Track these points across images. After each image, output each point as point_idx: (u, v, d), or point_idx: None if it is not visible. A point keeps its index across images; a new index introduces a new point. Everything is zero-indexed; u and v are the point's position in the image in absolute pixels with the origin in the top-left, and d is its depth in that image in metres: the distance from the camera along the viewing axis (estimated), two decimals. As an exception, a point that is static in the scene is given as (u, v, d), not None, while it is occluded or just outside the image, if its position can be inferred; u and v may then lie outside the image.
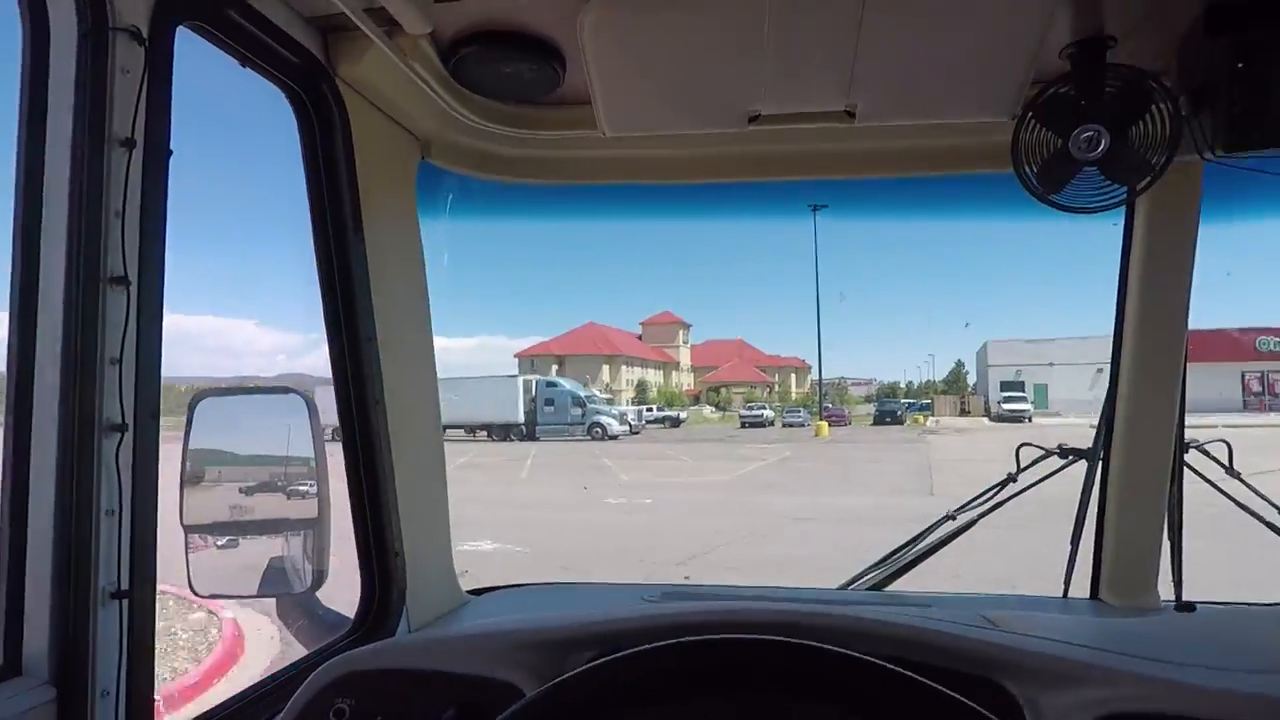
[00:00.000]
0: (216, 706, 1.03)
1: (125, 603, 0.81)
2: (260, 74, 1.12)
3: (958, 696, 0.57)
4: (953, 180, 1.47)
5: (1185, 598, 1.54)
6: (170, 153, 0.88)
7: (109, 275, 0.81)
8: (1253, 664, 0.87)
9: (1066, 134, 1.10)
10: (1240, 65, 1.02)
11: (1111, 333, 1.51)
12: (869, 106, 1.18)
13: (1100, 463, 1.55)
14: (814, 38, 1.03)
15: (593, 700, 0.60)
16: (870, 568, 1.73)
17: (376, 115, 1.30)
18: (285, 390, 1.39)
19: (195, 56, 0.97)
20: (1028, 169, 1.16)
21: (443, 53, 1.19)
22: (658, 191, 1.54)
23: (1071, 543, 1.71)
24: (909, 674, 0.58)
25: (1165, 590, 1.55)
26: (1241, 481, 1.61)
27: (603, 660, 0.60)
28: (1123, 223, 1.43)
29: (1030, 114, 1.13)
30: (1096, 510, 1.58)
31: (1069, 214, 1.19)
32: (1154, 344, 1.43)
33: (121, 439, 0.81)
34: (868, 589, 1.67)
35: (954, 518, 1.84)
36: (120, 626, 0.81)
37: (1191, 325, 1.44)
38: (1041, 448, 1.78)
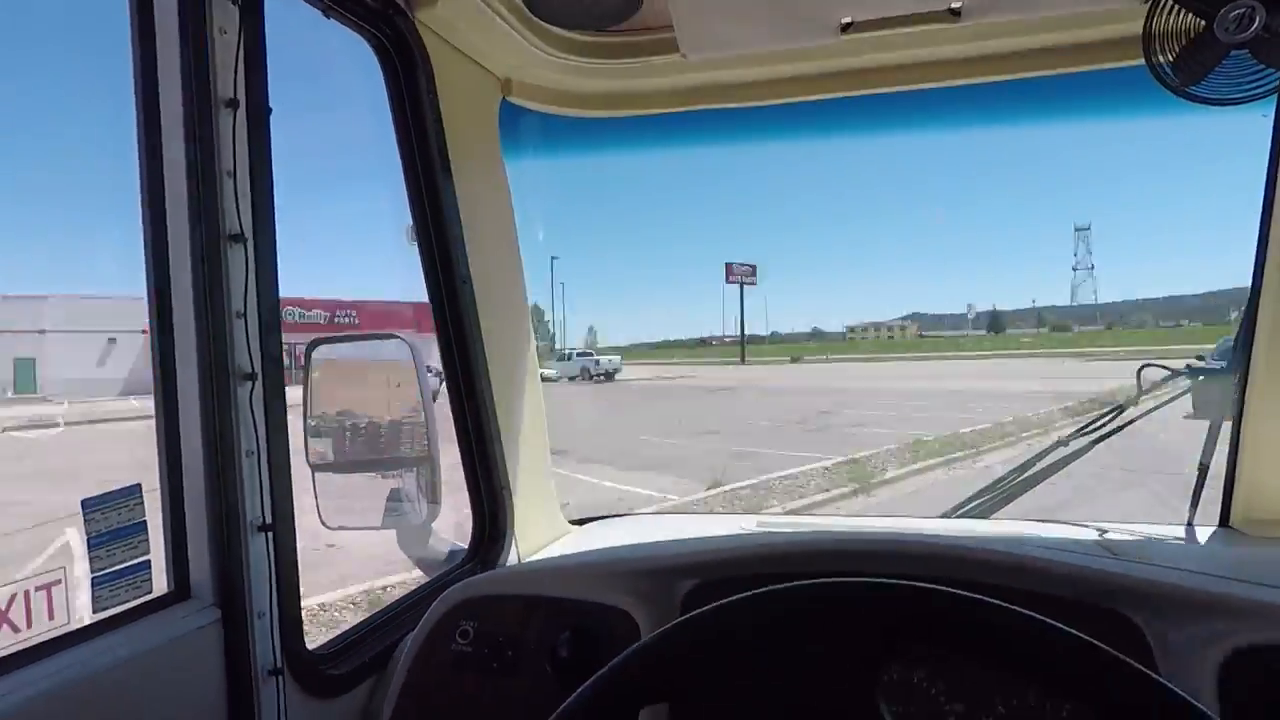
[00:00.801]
0: (356, 625, 1.13)
1: (270, 534, 0.89)
2: (343, 23, 1.13)
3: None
4: (1071, 78, 1.33)
5: None
6: (270, 110, 0.91)
7: (228, 233, 0.85)
8: None
9: (1213, 14, 0.97)
10: None
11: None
12: (975, 3, 1.08)
13: (1239, 380, 1.43)
14: None
15: (725, 634, 0.60)
16: (977, 493, 1.68)
17: (457, 56, 1.30)
18: (391, 336, 1.46)
19: (283, 11, 0.99)
20: (1161, 59, 1.04)
21: None
22: (744, 114, 1.47)
23: (1200, 468, 1.60)
24: (1074, 633, 0.54)
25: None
26: None
27: (741, 597, 0.60)
28: (1273, 114, 1.27)
29: (1167, -6, 1.00)
30: (1230, 433, 1.46)
31: (1211, 106, 1.06)
32: None
33: (253, 386, 0.87)
34: (974, 516, 1.62)
35: (1066, 443, 1.75)
36: (268, 555, 0.89)
37: None
38: (1166, 368, 1.65)
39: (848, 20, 1.12)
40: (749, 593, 0.60)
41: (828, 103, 1.41)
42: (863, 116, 1.49)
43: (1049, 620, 0.54)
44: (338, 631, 1.12)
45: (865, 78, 1.36)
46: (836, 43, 1.16)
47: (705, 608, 0.61)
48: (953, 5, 1.09)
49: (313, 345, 1.37)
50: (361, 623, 1.14)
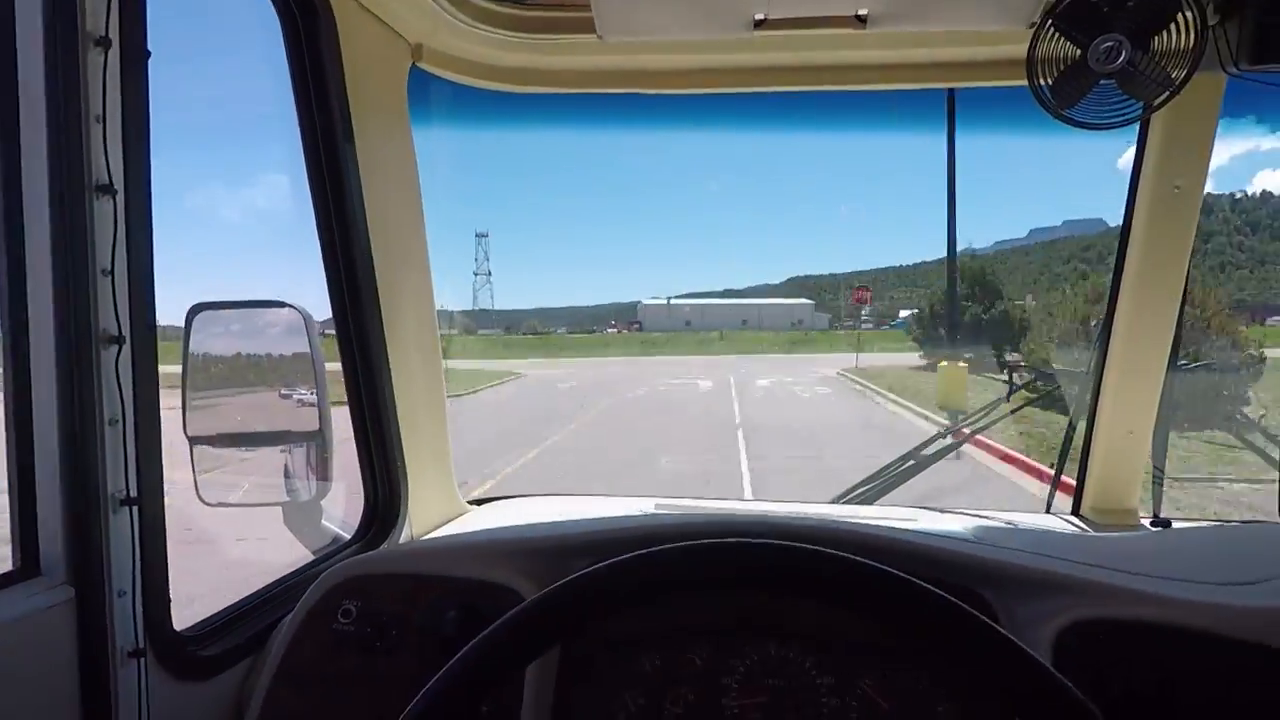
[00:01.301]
0: (230, 606, 1.08)
1: (135, 509, 0.84)
2: (239, -32, 1.06)
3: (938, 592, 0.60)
4: (965, 93, 1.42)
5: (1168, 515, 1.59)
6: (149, 54, 0.84)
7: (94, 184, 0.79)
8: (1224, 577, 0.91)
9: (1086, 44, 1.05)
10: None
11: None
12: (881, 11, 1.13)
13: (1093, 384, 1.57)
14: None
15: (591, 600, 0.63)
16: (863, 481, 1.78)
17: (365, 16, 1.24)
18: (281, 304, 1.39)
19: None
20: (1042, 82, 1.12)
21: None
22: (657, 101, 1.48)
23: (1057, 461, 1.76)
24: (885, 569, 0.61)
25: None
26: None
27: (603, 564, 0.63)
28: (1135, 143, 1.40)
29: (1050, 21, 1.08)
30: (1084, 431, 1.61)
31: (1081, 129, 1.15)
32: (1157, 264, 1.42)
33: (120, 350, 0.81)
34: (859, 503, 1.72)
35: (946, 435, 1.88)
36: (132, 531, 0.84)
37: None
38: (1034, 369, 1.80)
39: (761, 16, 1.15)
40: (616, 559, 0.63)
41: (738, 97, 1.45)
42: (773, 113, 1.53)
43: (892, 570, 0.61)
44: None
45: (776, 75, 1.40)
46: (750, 38, 1.19)
47: (579, 572, 0.63)
48: (859, 12, 1.14)
49: (194, 311, 1.28)
50: (237, 602, 1.09)
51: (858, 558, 0.63)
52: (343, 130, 1.23)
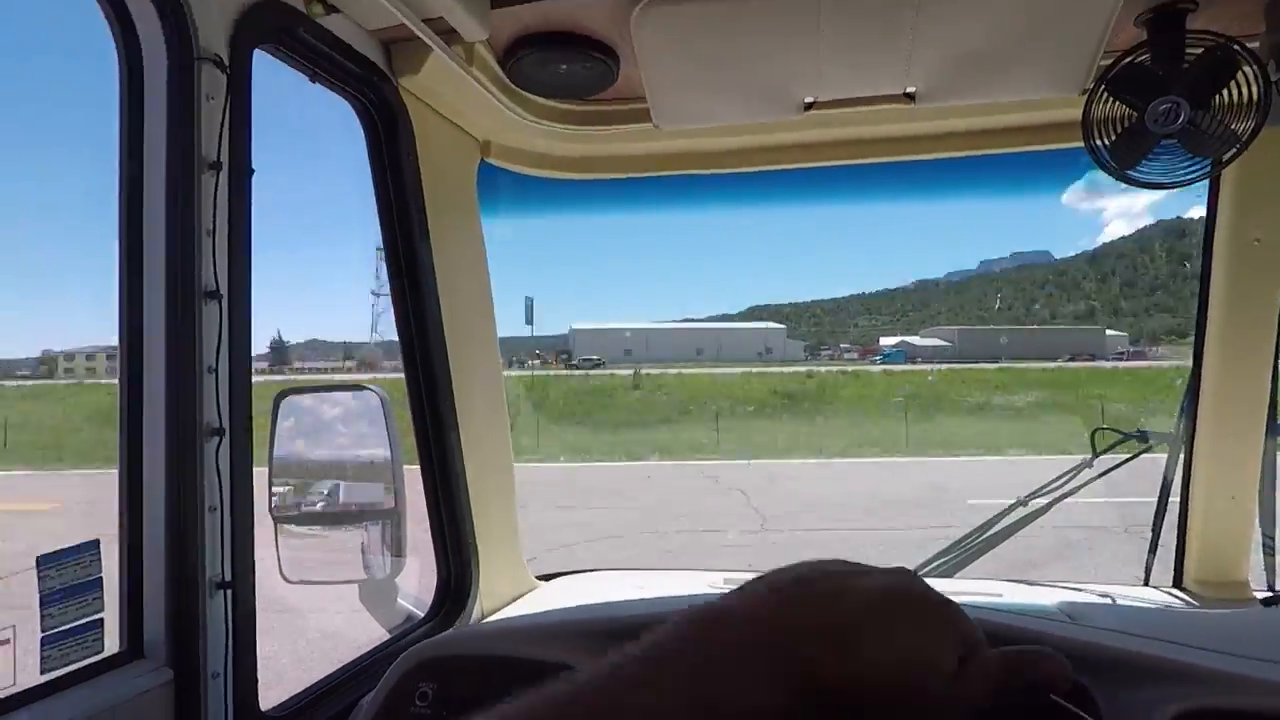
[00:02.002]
0: (313, 685, 1.11)
1: (229, 592, 0.88)
2: (329, 87, 1.17)
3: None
4: (1021, 156, 1.42)
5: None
6: (252, 171, 0.93)
7: (203, 289, 0.87)
8: None
9: (1143, 107, 1.05)
10: None
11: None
12: (929, 88, 1.15)
13: (1184, 447, 1.49)
14: (870, 22, 1.01)
15: None
16: (939, 554, 1.70)
17: (438, 120, 1.34)
18: (361, 388, 1.46)
19: (270, 75, 1.02)
20: (1101, 143, 1.12)
21: (499, 56, 1.21)
22: (713, 181, 1.54)
23: (1153, 530, 1.65)
24: None
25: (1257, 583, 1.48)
26: None
27: None
28: (1206, 197, 1.36)
29: (1103, 87, 1.08)
30: (1180, 497, 1.52)
31: (1149, 189, 1.14)
32: (1243, 320, 1.36)
33: (220, 442, 0.87)
34: (938, 575, 1.64)
35: (1025, 503, 1.79)
36: (225, 614, 0.88)
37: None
38: (1120, 432, 1.72)
39: (810, 100, 1.19)
40: None
41: (791, 172, 1.49)
42: (824, 186, 1.56)
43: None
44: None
45: (826, 151, 1.44)
46: (800, 119, 1.23)
47: None
48: (908, 90, 1.16)
49: (280, 396, 1.37)
50: (318, 682, 1.12)
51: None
52: (419, 223, 1.32)
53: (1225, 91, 1.03)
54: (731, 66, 1.11)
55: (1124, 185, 1.14)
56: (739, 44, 1.06)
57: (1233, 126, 1.04)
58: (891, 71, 1.10)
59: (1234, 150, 1.05)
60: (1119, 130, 1.10)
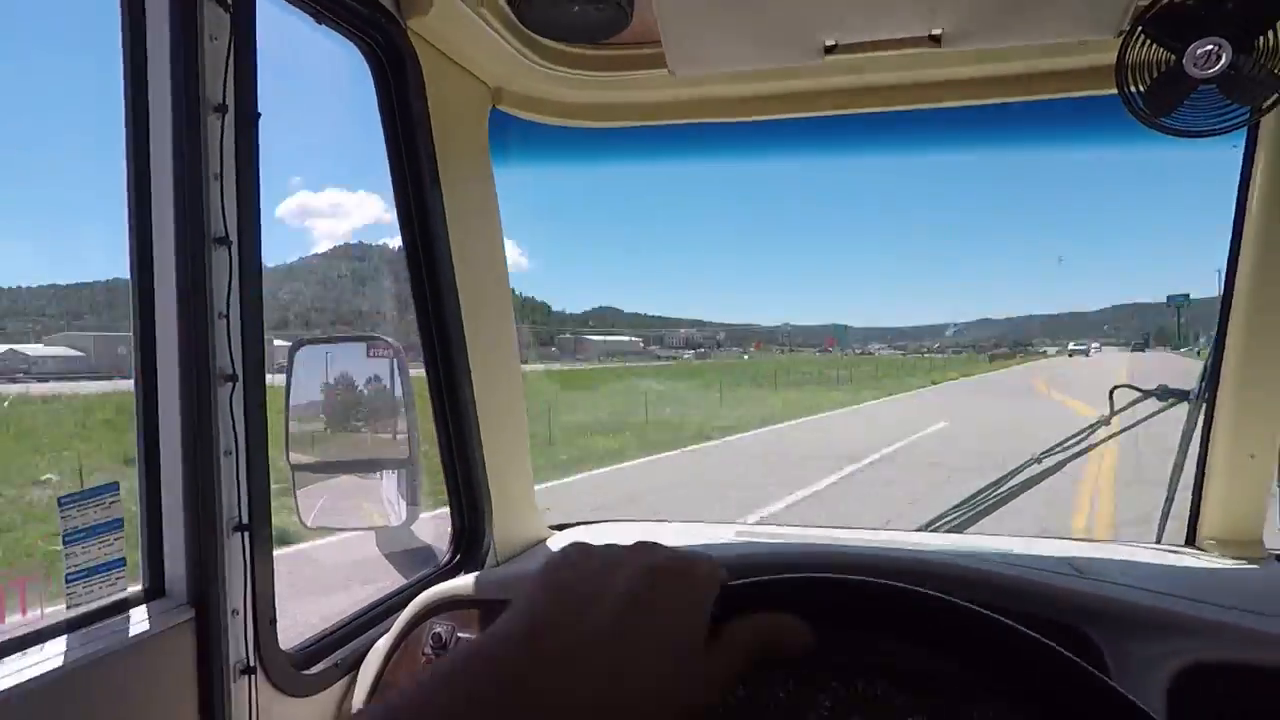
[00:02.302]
0: (330, 627, 1.14)
1: (246, 534, 0.90)
2: (334, 29, 1.14)
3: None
4: (1049, 104, 1.36)
5: None
6: (259, 115, 0.92)
7: (212, 236, 0.86)
8: None
9: (1181, 49, 1.00)
10: None
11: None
12: (956, 30, 1.10)
13: (1205, 404, 1.46)
14: None
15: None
16: (952, 509, 1.71)
17: (448, 65, 1.31)
18: (374, 338, 1.47)
19: (275, 18, 1.00)
20: (1134, 89, 1.07)
21: None
22: (729, 130, 1.50)
23: (1169, 488, 1.64)
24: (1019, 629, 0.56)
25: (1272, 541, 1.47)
26: None
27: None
28: (1243, 146, 1.31)
29: (1140, 28, 1.03)
30: (1198, 454, 1.50)
31: (1181, 139, 1.09)
32: (1274, 273, 1.31)
33: (234, 387, 0.88)
34: (949, 530, 1.65)
35: (1040, 460, 1.78)
36: (244, 555, 0.90)
37: None
38: (1139, 389, 1.69)
39: (831, 43, 1.14)
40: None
41: (812, 121, 1.44)
42: (846, 135, 1.52)
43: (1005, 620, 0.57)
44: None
45: (849, 98, 1.39)
46: (821, 64, 1.18)
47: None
48: (933, 31, 1.12)
49: (296, 346, 1.38)
50: (336, 624, 1.15)
51: (942, 596, 0.60)
52: (429, 172, 1.30)
53: (1272, 33, 0.98)
54: (748, 6, 1.06)
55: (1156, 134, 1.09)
56: None
57: (1275, 71, 0.99)
58: (916, 11, 1.05)
59: (1276, 97, 1.01)
60: (1155, 75, 1.05)
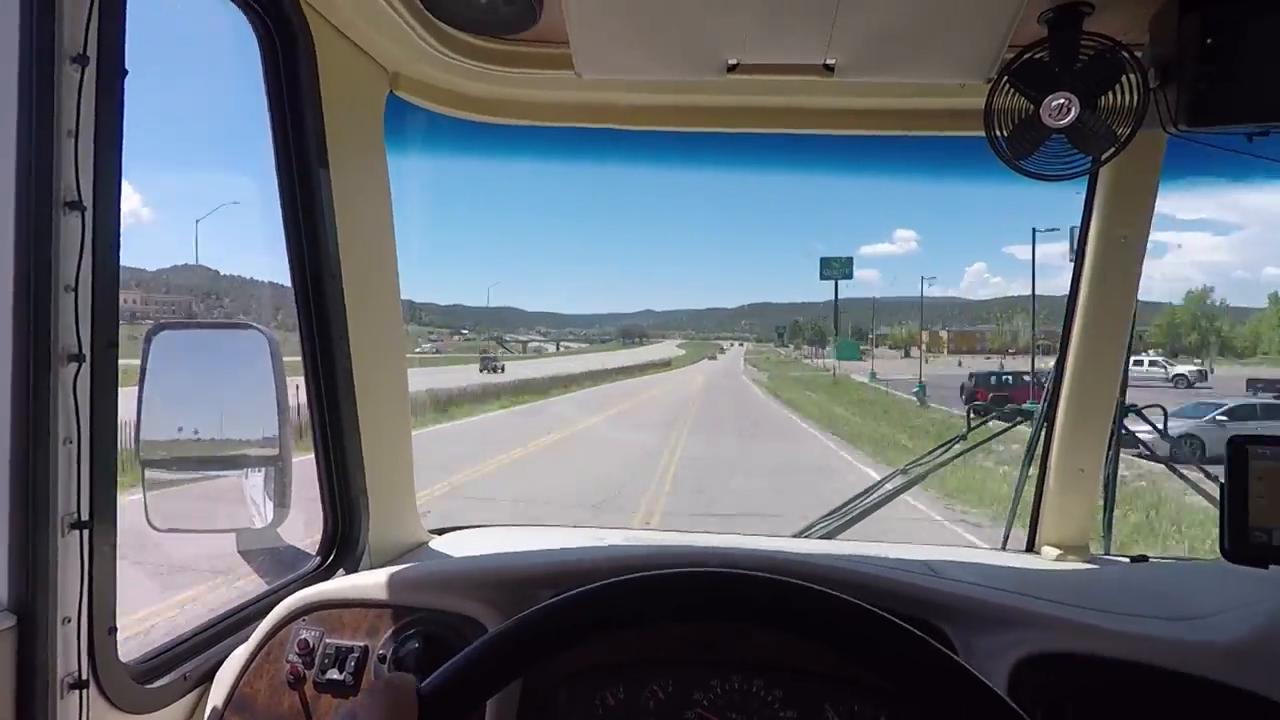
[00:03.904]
0: (183, 635, 1.04)
1: (86, 532, 0.81)
2: (220, -7, 1.07)
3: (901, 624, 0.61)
4: (927, 141, 1.48)
5: (1115, 553, 1.64)
6: (125, 72, 0.84)
7: (63, 199, 0.78)
8: (1178, 612, 0.94)
9: (1038, 100, 1.11)
10: (1209, 41, 1.04)
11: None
12: (848, 61, 1.18)
13: (1045, 423, 1.63)
14: None
15: (560, 630, 0.63)
16: (823, 517, 1.80)
17: (343, 43, 1.25)
18: (246, 326, 1.37)
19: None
20: (999, 133, 1.18)
21: None
22: (630, 137, 1.52)
23: (1013, 499, 1.80)
24: (858, 603, 0.62)
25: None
26: (1171, 445, 1.70)
27: (572, 593, 0.63)
28: (1084, 190, 1.47)
29: (1005, 78, 1.14)
30: (1038, 469, 1.66)
31: (1034, 180, 1.21)
32: (1104, 310, 1.48)
33: (80, 369, 0.79)
34: (820, 538, 1.73)
35: (905, 471, 1.92)
36: (81, 555, 0.81)
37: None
38: (991, 409, 1.85)
39: (734, 61, 1.19)
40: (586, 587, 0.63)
41: (710, 137, 1.49)
42: (742, 152, 1.58)
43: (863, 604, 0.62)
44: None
45: (747, 117, 1.44)
46: (723, 80, 1.23)
47: (546, 602, 0.63)
48: (828, 61, 1.18)
49: (154, 331, 1.26)
50: (188, 632, 1.05)
51: (819, 587, 0.64)
52: (317, 154, 1.23)
53: (1111, 94, 1.11)
54: (658, 17, 1.09)
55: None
56: None
57: (1114, 127, 1.12)
58: (814, 40, 1.11)
59: (1112, 150, 1.14)
60: (1016, 121, 1.16)
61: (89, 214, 0.79)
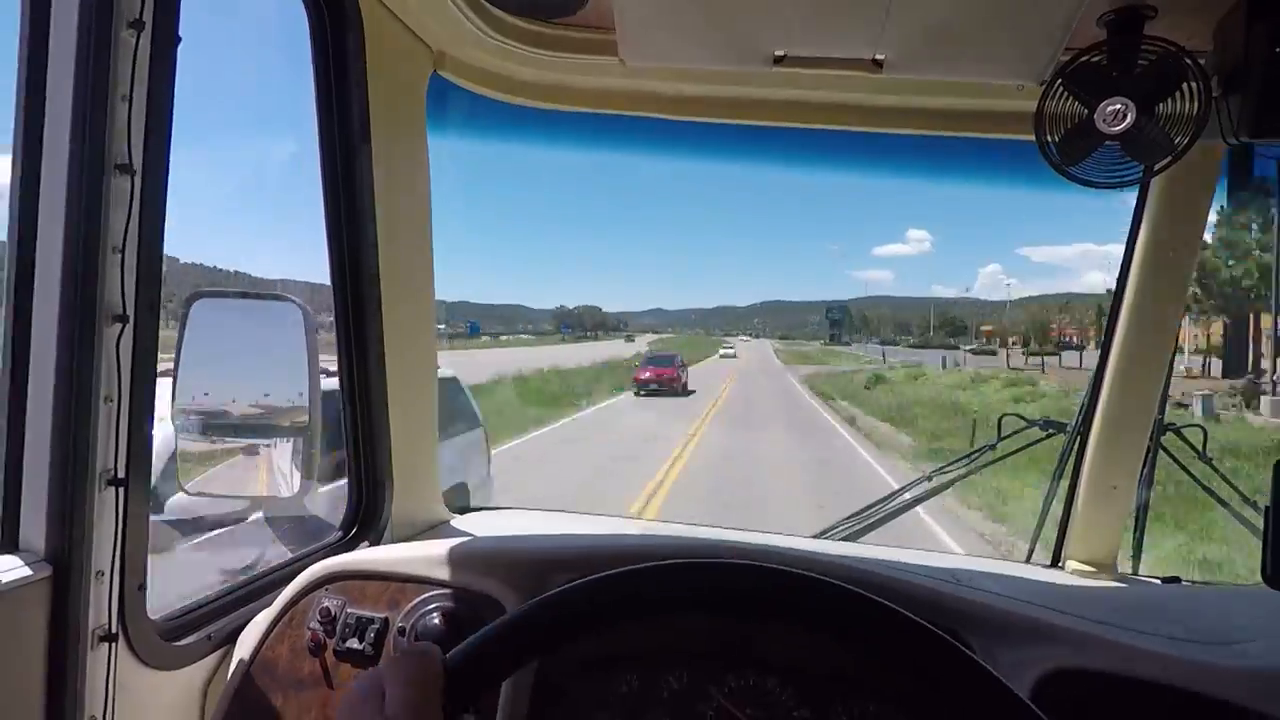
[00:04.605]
0: (208, 597, 1.07)
1: (121, 489, 0.83)
2: (273, -35, 1.08)
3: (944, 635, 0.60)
4: (974, 142, 1.45)
5: (1145, 574, 1.60)
6: (179, 39, 0.85)
7: (114, 163, 0.79)
8: (1208, 636, 0.92)
9: (1093, 105, 1.08)
10: (1278, 50, 1.00)
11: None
12: (897, 58, 1.15)
13: (1079, 437, 1.59)
14: None
15: (582, 614, 0.62)
16: (845, 519, 1.78)
17: (390, 20, 1.26)
18: (282, 298, 1.39)
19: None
20: (1050, 138, 1.15)
21: None
22: (673, 127, 1.51)
23: (1041, 511, 1.77)
24: (881, 601, 0.61)
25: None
26: (1213, 468, 1.65)
27: (593, 577, 0.63)
28: (1134, 200, 1.43)
29: (1059, 80, 1.11)
30: (1068, 483, 1.62)
31: (1084, 187, 1.18)
32: (1147, 324, 1.44)
33: (123, 329, 0.81)
34: (842, 539, 1.72)
35: (931, 478, 1.89)
36: (116, 512, 0.83)
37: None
38: (1024, 419, 1.82)
39: (781, 53, 1.17)
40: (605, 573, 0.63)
41: (753, 130, 1.47)
42: (785, 147, 1.56)
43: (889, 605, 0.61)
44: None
45: (792, 111, 1.42)
46: (769, 73, 1.21)
47: (566, 585, 0.63)
48: (877, 56, 1.16)
49: (193, 298, 1.28)
50: (214, 594, 1.08)
51: (846, 585, 0.63)
52: (360, 131, 1.24)
53: (1170, 101, 1.07)
54: (705, 5, 1.07)
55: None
56: None
57: (1171, 135, 1.09)
58: (863, 34, 1.09)
59: (1167, 159, 1.10)
60: (1068, 126, 1.13)
61: (138, 178, 0.81)
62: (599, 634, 0.65)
